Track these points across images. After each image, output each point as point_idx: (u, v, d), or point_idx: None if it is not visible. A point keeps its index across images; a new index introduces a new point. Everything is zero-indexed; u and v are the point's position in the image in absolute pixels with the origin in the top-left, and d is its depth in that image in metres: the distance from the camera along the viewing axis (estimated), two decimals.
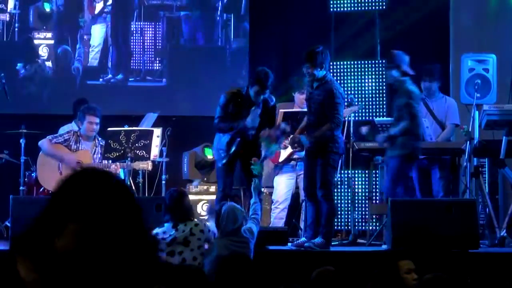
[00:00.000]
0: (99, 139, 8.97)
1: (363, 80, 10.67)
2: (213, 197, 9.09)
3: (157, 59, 11.47)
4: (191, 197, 8.76)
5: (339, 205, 10.48)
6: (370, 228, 9.10)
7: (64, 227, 2.06)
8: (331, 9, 10.84)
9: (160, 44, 11.45)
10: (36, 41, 11.37)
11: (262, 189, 8.98)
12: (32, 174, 9.43)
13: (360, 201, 10.39)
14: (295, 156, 9.00)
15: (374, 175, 9.48)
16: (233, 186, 8.17)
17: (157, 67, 11.46)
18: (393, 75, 8.22)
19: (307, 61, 7.72)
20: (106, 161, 8.76)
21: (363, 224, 9.98)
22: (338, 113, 7.74)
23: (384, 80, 10.57)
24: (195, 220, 6.69)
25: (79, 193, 2.08)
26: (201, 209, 9.41)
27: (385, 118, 9.63)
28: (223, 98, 8.03)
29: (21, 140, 9.37)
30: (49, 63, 11.35)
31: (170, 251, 6.39)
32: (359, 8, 10.76)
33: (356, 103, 9.41)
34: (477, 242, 7.47)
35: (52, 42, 11.38)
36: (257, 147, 7.84)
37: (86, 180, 2.11)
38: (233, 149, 7.89)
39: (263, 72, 7.93)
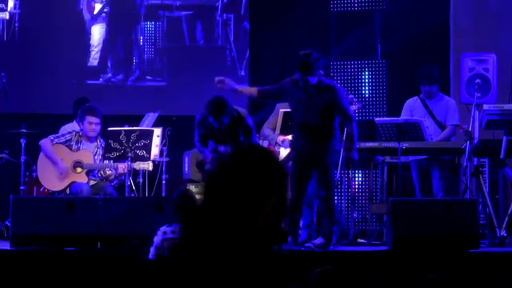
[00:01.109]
0: (101, 140, 8.96)
1: (363, 80, 10.68)
2: None
3: (157, 58, 11.48)
4: None
5: (339, 205, 10.49)
6: (370, 228, 9.10)
7: (266, 203, 2.12)
8: (332, 9, 10.85)
9: (160, 43, 11.46)
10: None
11: None
12: (33, 174, 9.43)
13: (360, 201, 10.40)
14: None
15: (374, 175, 9.48)
16: None
17: (157, 67, 11.47)
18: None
19: (300, 69, 7.70)
20: (107, 161, 8.76)
21: (363, 224, 9.99)
22: (350, 110, 7.79)
23: (384, 79, 10.58)
24: None
25: (272, 168, 2.18)
26: None
27: (385, 118, 9.63)
28: (197, 118, 8.05)
29: (21, 140, 9.37)
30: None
31: None
32: (360, 8, 10.76)
33: (357, 103, 9.40)
34: (477, 241, 7.47)
35: None
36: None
37: (266, 156, 2.21)
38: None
39: (215, 103, 7.89)
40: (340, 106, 7.70)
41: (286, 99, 7.97)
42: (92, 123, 8.85)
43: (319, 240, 7.66)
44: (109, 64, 11.41)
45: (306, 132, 7.73)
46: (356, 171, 10.26)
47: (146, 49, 11.47)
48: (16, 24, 11.31)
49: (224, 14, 11.46)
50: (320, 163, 7.68)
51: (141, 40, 11.44)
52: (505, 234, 8.16)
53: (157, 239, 6.51)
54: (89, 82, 11.29)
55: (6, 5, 11.29)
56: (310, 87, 7.68)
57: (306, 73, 7.61)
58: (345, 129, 7.79)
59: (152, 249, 6.52)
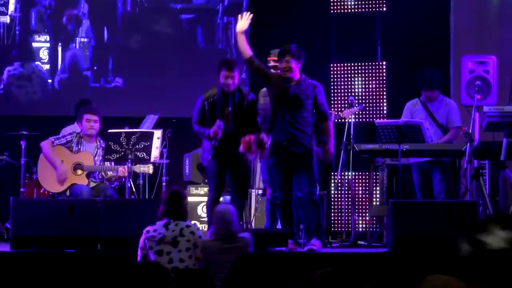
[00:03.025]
0: (101, 141, 8.97)
1: (363, 82, 10.68)
2: None
3: (158, 61, 11.48)
4: (191, 199, 8.77)
5: (339, 207, 10.49)
6: (370, 229, 9.10)
7: None
8: (332, 11, 10.86)
9: (160, 47, 11.47)
10: (36, 44, 11.40)
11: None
12: (33, 176, 9.43)
13: (360, 203, 10.39)
14: None
15: (374, 177, 9.48)
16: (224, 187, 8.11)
17: (158, 70, 11.47)
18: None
19: (290, 54, 7.74)
20: (108, 163, 8.76)
21: (364, 225, 9.99)
22: (328, 108, 7.84)
23: (384, 81, 10.58)
24: (189, 222, 6.54)
25: None
26: (201, 211, 9.40)
27: (385, 120, 9.63)
28: (201, 97, 7.96)
29: (21, 142, 9.37)
30: (48, 66, 11.38)
31: (159, 250, 6.31)
32: (360, 10, 10.77)
33: (357, 105, 9.41)
34: None
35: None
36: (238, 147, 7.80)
37: None
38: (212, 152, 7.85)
39: (226, 58, 7.91)
40: (321, 102, 7.75)
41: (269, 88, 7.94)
42: (90, 120, 8.87)
43: (316, 242, 7.64)
44: (109, 67, 11.44)
45: (289, 128, 7.72)
46: (356, 173, 10.26)
47: (146, 52, 11.48)
48: (17, 28, 11.33)
49: (225, 18, 11.48)
50: (304, 161, 7.67)
51: (141, 43, 11.45)
52: None
53: (141, 239, 6.44)
54: (89, 84, 11.31)
55: (7, 8, 11.31)
56: (293, 82, 7.72)
57: (296, 59, 7.72)
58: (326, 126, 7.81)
59: (138, 251, 6.46)
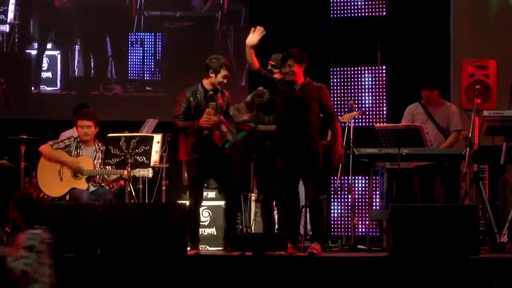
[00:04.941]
0: (99, 144, 8.98)
1: (363, 86, 10.69)
2: (213, 203, 9.08)
3: (158, 69, 11.50)
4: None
5: (339, 211, 10.48)
6: (370, 234, 9.09)
7: None
8: (332, 16, 10.87)
9: (160, 54, 11.49)
10: (35, 52, 11.46)
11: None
12: (32, 180, 9.43)
13: (360, 207, 10.39)
14: None
15: (374, 181, 9.47)
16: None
17: (157, 77, 11.50)
18: None
19: (292, 58, 7.77)
20: (109, 167, 8.76)
21: (363, 230, 9.98)
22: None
23: (384, 85, 10.59)
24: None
25: None
26: (201, 215, 9.38)
27: (385, 124, 9.64)
28: (183, 97, 8.01)
29: (21, 146, 9.37)
30: (48, 74, 11.42)
31: None
32: (360, 15, 10.78)
33: (357, 109, 9.41)
34: (477, 248, 7.46)
35: (54, 52, 11.47)
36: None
37: None
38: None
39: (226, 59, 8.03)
40: (326, 104, 7.78)
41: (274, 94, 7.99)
42: (84, 127, 8.88)
43: (315, 245, 7.62)
44: (108, 74, 11.46)
45: (296, 131, 7.70)
46: (356, 177, 10.25)
47: (146, 60, 11.50)
48: (16, 35, 11.37)
49: (224, 25, 11.51)
50: (310, 165, 7.65)
51: (141, 50, 11.48)
52: (505, 241, 8.15)
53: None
54: (88, 91, 11.34)
55: (6, 16, 11.35)
56: (297, 85, 7.73)
57: (299, 63, 7.76)
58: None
59: None
